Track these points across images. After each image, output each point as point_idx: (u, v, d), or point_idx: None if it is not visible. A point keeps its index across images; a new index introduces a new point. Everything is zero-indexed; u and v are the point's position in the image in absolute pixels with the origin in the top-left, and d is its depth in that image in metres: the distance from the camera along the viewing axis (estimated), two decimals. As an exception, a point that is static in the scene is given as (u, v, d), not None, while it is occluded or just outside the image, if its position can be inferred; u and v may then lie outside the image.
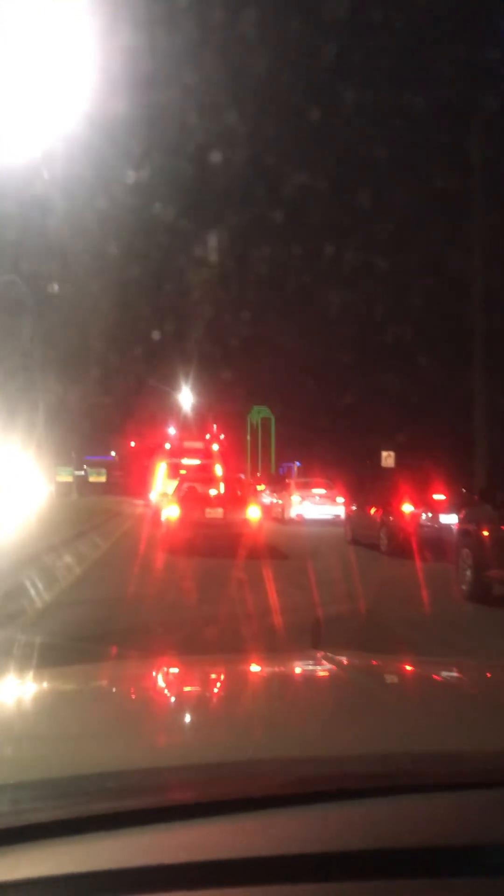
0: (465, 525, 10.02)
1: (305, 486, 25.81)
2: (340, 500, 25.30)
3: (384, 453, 28.69)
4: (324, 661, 2.19)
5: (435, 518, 13.99)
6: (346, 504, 25.28)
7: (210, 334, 42.85)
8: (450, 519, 13.98)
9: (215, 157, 23.60)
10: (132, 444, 44.54)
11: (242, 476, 29.13)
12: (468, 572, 9.76)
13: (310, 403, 40.59)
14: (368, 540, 15.18)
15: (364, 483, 20.75)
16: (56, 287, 26.73)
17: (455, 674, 2.22)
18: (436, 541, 13.64)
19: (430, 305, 33.31)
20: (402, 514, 14.07)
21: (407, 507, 14.05)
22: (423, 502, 14.11)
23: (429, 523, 13.96)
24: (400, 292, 34.58)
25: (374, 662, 2.43)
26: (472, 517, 9.84)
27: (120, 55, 13.95)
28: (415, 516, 13.97)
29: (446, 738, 1.39)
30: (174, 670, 2.34)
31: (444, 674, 2.22)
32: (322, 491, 25.53)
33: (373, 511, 15.27)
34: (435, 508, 14.06)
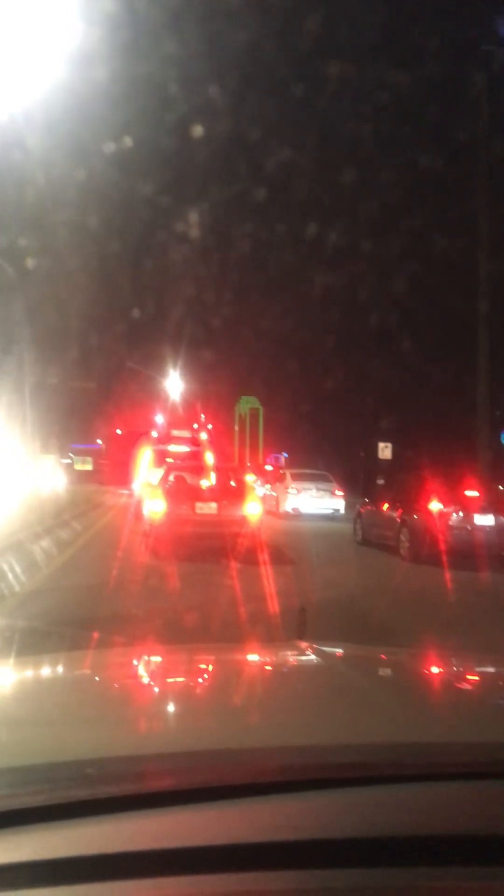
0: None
1: (302, 478, 22.91)
2: (339, 493, 22.53)
3: (381, 444, 25.95)
4: (308, 652, 2.06)
5: (468, 518, 11.23)
6: (346, 497, 22.65)
7: (199, 322, 39.97)
8: (486, 520, 11.27)
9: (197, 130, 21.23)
10: (118, 431, 41.50)
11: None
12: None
13: (297, 393, 37.81)
14: (384, 541, 12.41)
15: (371, 476, 17.91)
16: (34, 263, 23.85)
17: (439, 666, 2.08)
18: (468, 546, 10.93)
19: (422, 291, 30.67)
20: (428, 512, 11.28)
21: (435, 506, 11.26)
22: (454, 500, 11.33)
23: (460, 524, 11.19)
24: (392, 278, 31.86)
25: (358, 653, 2.28)
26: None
27: (99, 24, 12.62)
28: (444, 516, 11.19)
29: (428, 729, 1.28)
30: (158, 659, 2.17)
31: (429, 665, 2.10)
32: (320, 483, 22.65)
33: (390, 508, 12.46)
34: (468, 507, 11.29)
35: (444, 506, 11.23)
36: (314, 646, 2.09)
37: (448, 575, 10.09)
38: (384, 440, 26.60)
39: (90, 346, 37.87)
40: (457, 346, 24.96)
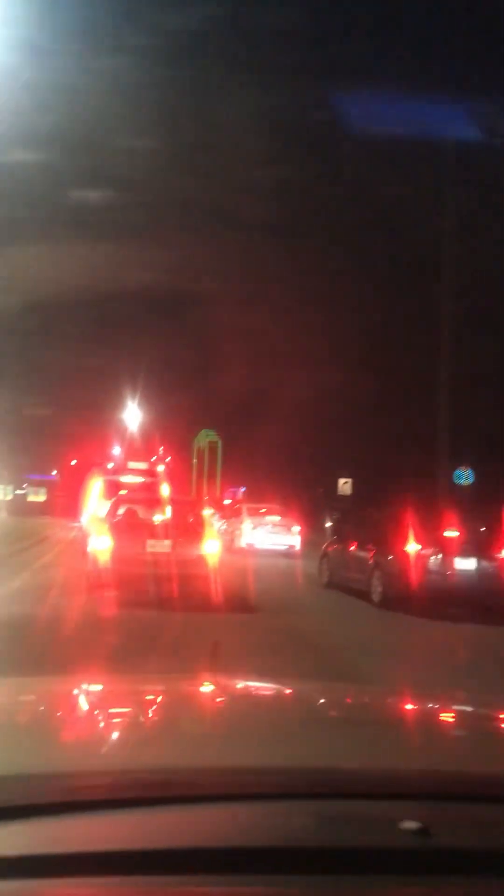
0: None
1: (257, 513, 21.54)
2: (296, 528, 21.17)
3: (341, 480, 24.70)
4: (218, 684, 2.18)
5: (447, 562, 9.85)
6: (304, 534, 21.28)
7: (159, 355, 38.61)
8: (467, 563, 9.93)
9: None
10: (73, 462, 39.52)
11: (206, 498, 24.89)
12: None
13: (257, 428, 36.48)
14: (353, 585, 10.96)
15: (332, 512, 16.53)
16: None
17: (326, 696, 2.07)
18: (448, 592, 9.59)
19: (378, 325, 29.80)
20: (404, 554, 9.87)
21: (411, 546, 9.86)
22: (432, 540, 9.95)
23: (438, 568, 9.81)
24: (347, 313, 30.96)
25: (259, 686, 2.27)
26: None
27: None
28: (422, 558, 9.79)
29: (275, 754, 1.31)
30: (91, 686, 2.10)
31: (313, 695, 2.08)
32: (276, 518, 21.36)
33: (361, 549, 11.02)
34: (447, 549, 9.92)
35: (422, 547, 9.84)
36: (222, 678, 2.35)
37: (427, 626, 8.73)
38: (343, 476, 25.37)
39: (48, 377, 36.18)
40: (415, 383, 24.06)
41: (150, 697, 1.99)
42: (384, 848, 1.03)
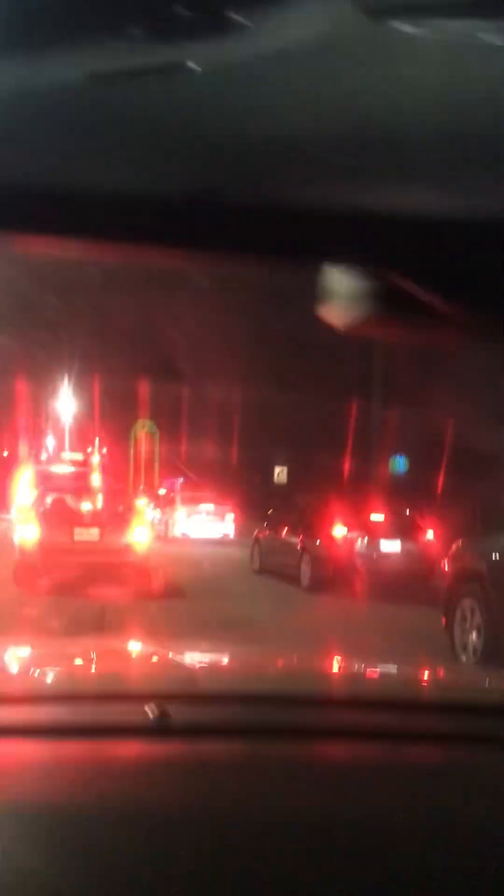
0: (468, 563, 6.10)
1: (192, 501, 21.67)
2: (230, 516, 21.36)
3: (277, 468, 24.88)
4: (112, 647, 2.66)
5: (374, 544, 10.08)
6: (237, 521, 21.45)
7: (98, 344, 38.02)
8: (392, 546, 10.17)
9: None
10: (5, 453, 38.63)
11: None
12: (473, 635, 5.93)
13: (197, 418, 36.37)
14: (283, 570, 11.08)
15: (268, 499, 16.70)
16: None
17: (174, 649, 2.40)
18: (374, 574, 9.81)
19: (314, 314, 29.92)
20: (331, 538, 10.05)
21: (338, 530, 10.04)
22: (359, 524, 10.15)
23: (366, 551, 10.02)
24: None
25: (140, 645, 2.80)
26: (484, 552, 5.94)
27: None
28: (348, 542, 9.99)
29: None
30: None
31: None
32: (210, 507, 21.52)
33: (290, 534, 11.15)
34: (373, 532, 10.14)
35: (348, 531, 10.04)
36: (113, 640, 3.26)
37: (347, 606, 8.88)
38: (280, 464, 25.56)
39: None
40: (349, 368, 24.41)
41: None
42: (134, 723, 1.39)
